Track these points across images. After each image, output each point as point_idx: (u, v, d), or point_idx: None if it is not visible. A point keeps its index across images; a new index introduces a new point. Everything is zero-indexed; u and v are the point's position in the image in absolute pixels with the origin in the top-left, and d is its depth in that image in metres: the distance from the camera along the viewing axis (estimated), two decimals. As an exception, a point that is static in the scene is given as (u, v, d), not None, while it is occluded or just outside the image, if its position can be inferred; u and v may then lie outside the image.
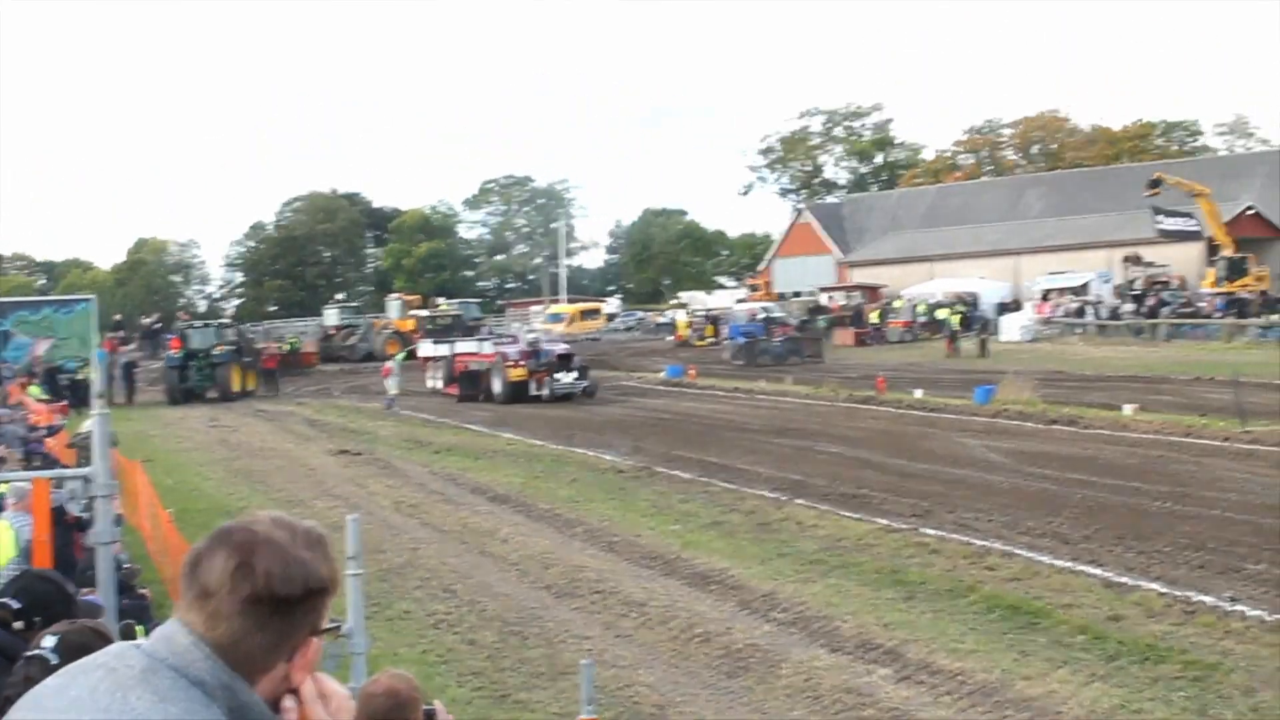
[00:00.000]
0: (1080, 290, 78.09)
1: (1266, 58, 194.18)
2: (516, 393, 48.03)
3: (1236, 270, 72.64)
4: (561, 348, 53.05)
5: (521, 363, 49.08)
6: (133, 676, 2.48)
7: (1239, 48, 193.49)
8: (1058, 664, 13.19)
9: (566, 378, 48.24)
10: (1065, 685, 12.46)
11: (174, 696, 2.43)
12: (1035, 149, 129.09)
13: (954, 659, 13.46)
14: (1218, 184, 79.07)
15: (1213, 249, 74.96)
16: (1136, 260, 77.81)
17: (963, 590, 16.35)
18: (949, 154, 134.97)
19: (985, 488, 24.20)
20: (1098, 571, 17.05)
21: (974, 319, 73.17)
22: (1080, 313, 74.26)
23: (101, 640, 4.48)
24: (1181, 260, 77.52)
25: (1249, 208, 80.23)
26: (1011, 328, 72.80)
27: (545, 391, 47.63)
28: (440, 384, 55.54)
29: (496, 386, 49.23)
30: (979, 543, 19.07)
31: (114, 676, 2.50)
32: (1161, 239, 77.49)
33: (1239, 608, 14.94)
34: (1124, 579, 16.54)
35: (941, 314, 75.56)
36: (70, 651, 4.70)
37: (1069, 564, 17.56)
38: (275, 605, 2.52)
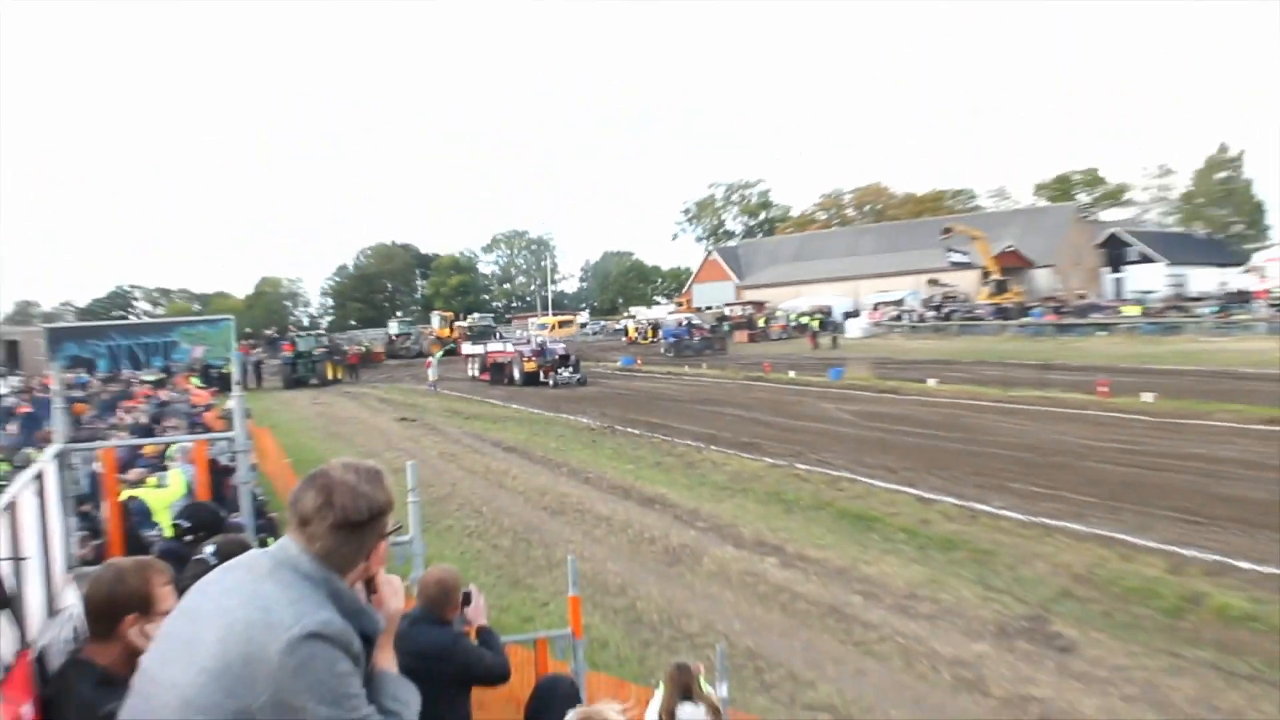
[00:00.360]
0: (899, 303, 78.53)
1: (1019, 146, 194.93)
2: (529, 380, 46.39)
3: (1001, 288, 73.33)
4: (561, 348, 50.40)
5: (533, 358, 47.44)
6: (264, 571, 2.80)
7: (1003, 139, 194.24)
8: (887, 552, 13.35)
9: (565, 372, 46.34)
10: (892, 567, 12.63)
11: (292, 584, 2.76)
12: (867, 208, 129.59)
13: (819, 551, 13.61)
14: (988, 230, 79.79)
15: (985, 274, 75.54)
16: (935, 283, 78.21)
17: (823, 505, 16.48)
18: (810, 211, 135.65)
19: (838, 436, 24.29)
20: (913, 490, 17.20)
21: (828, 323, 73.56)
22: (899, 318, 74.52)
23: (244, 548, 4.62)
24: (965, 282, 78.04)
25: (1009, 246, 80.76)
26: (854, 329, 72.94)
27: (551, 381, 45.58)
28: (476, 372, 53.64)
29: (516, 374, 47.65)
30: (834, 473, 19.14)
31: (252, 572, 2.82)
32: (952, 268, 78.08)
33: (1006, 512, 15.16)
34: (930, 495, 16.69)
35: (805, 320, 75.97)
36: (223, 555, 4.86)
37: (894, 486, 17.69)
38: (351, 526, 2.82)
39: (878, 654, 9.84)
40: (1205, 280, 73.66)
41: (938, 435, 23.63)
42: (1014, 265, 79.77)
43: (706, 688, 5.81)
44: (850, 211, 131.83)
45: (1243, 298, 60.50)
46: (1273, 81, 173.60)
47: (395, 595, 3.03)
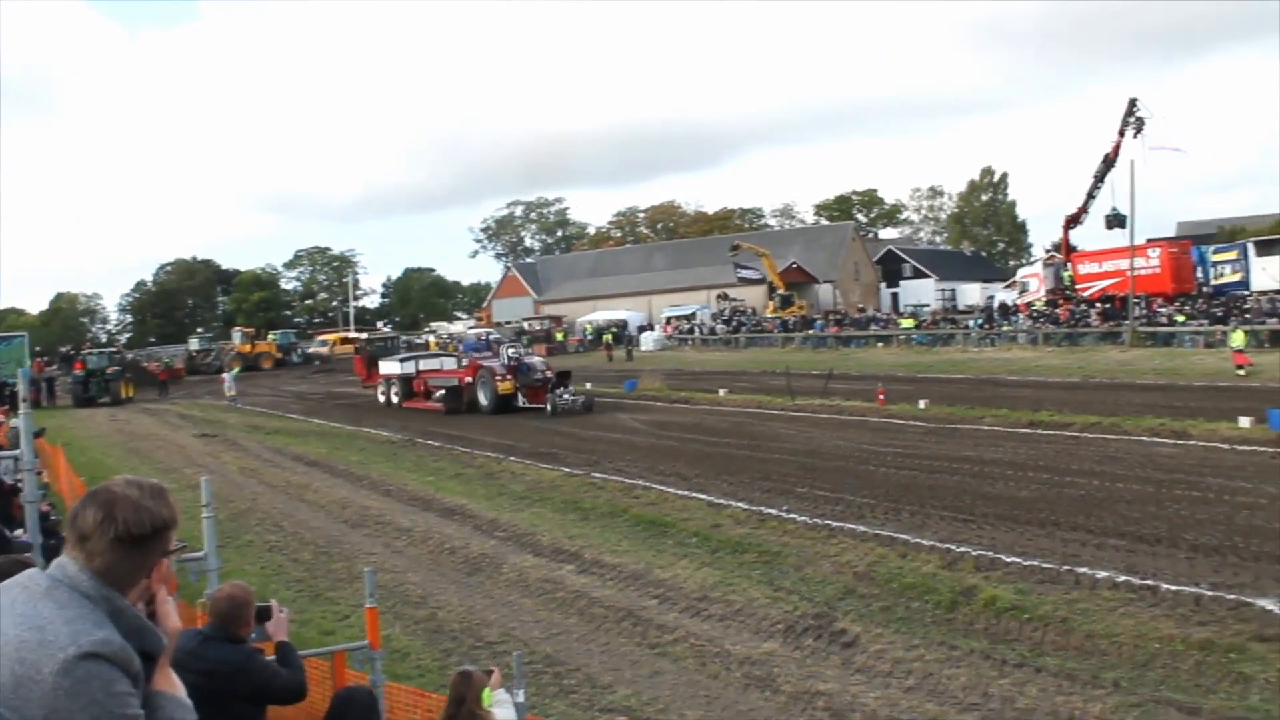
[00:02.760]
0: (690, 317, 79.63)
1: (802, 167, 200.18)
2: (503, 404, 34.40)
3: (786, 302, 75.14)
4: (541, 363, 37.42)
5: (508, 377, 34.87)
6: (41, 590, 2.63)
7: (787, 161, 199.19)
8: (680, 556, 13.41)
9: (566, 394, 33.91)
10: (685, 570, 12.68)
11: (70, 602, 2.59)
12: (660, 225, 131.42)
13: (614, 556, 13.59)
14: (774, 247, 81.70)
15: (771, 290, 77.23)
16: (725, 297, 79.46)
17: (619, 512, 16.49)
18: (605, 229, 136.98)
19: (633, 446, 24.41)
20: (704, 496, 17.36)
21: (623, 336, 74.01)
22: (690, 331, 75.53)
23: (24, 567, 4.34)
24: (752, 296, 79.62)
25: (794, 263, 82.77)
26: (648, 341, 73.54)
27: (548, 407, 32.97)
28: (397, 398, 40.07)
29: (483, 398, 35.28)
30: (629, 481, 19.20)
31: (28, 591, 2.65)
32: (740, 283, 79.54)
33: (792, 515, 15.40)
34: (721, 500, 16.85)
35: (594, 332, 76.33)
36: (2, 575, 4.54)
37: (686, 492, 17.81)
38: (133, 541, 2.67)
39: (672, 655, 9.86)
40: (972, 294, 76.81)
41: (727, 443, 23.94)
42: (798, 281, 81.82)
43: (492, 699, 5.58)
44: (644, 229, 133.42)
45: (1006, 310, 63.22)
46: (1035, 110, 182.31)
47: (174, 613, 2.87)
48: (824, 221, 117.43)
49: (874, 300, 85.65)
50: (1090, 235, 63.56)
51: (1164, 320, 52.72)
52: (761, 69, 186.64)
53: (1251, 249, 55.30)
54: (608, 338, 71.46)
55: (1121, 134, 62.21)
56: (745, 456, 21.80)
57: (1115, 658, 9.14)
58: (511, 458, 23.25)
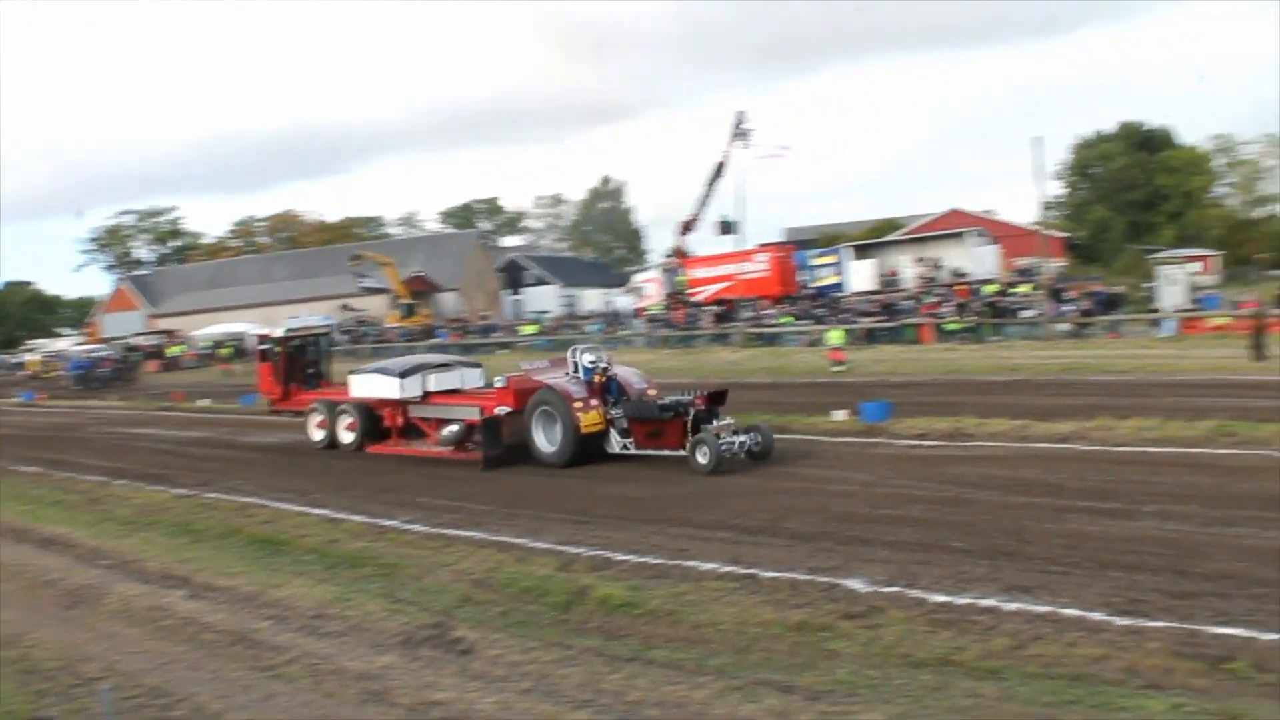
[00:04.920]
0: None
1: (425, 175, 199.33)
2: (583, 448, 19.51)
3: (410, 312, 74.61)
4: (634, 377, 20.90)
5: (592, 403, 19.77)
6: None
7: (410, 168, 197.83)
8: (297, 574, 12.95)
9: (734, 436, 18.29)
10: (302, 588, 12.25)
11: None
12: (281, 234, 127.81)
13: (228, 579, 12.97)
14: (397, 256, 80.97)
15: (395, 299, 76.56)
16: (348, 308, 77.95)
17: (232, 532, 15.77)
18: (222, 239, 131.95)
19: (249, 463, 23.56)
20: (322, 511, 16.87)
21: (242, 349, 71.36)
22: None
23: None
24: (376, 306, 78.72)
25: (417, 272, 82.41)
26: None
27: (701, 458, 17.72)
28: (349, 435, 24.09)
29: (543, 440, 19.96)
30: (244, 500, 18.38)
31: None
32: (363, 293, 78.50)
33: (412, 526, 15.25)
34: (339, 515, 16.43)
35: (211, 345, 73.42)
36: None
37: (303, 508, 17.25)
38: None
39: (287, 676, 9.51)
40: (593, 300, 78.77)
41: (355, 455, 23.50)
42: (422, 289, 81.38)
43: None
44: (264, 239, 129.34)
45: (625, 315, 65.30)
46: (654, 118, 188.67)
47: None
48: (449, 229, 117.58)
49: (497, 308, 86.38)
50: (704, 241, 66.91)
51: (770, 321, 55.80)
52: (386, 73, 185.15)
53: (848, 253, 59.38)
54: (224, 351, 68.59)
55: (730, 144, 65.35)
56: (364, 469, 21.56)
57: (719, 645, 9.52)
58: (119, 481, 21.78)
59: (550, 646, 9.69)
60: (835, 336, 41.97)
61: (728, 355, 48.63)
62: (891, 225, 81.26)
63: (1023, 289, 52.58)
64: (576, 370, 20.39)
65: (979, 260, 56.22)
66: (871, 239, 66.64)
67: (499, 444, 20.24)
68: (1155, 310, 48.50)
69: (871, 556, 11.87)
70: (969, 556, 11.66)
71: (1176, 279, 50.45)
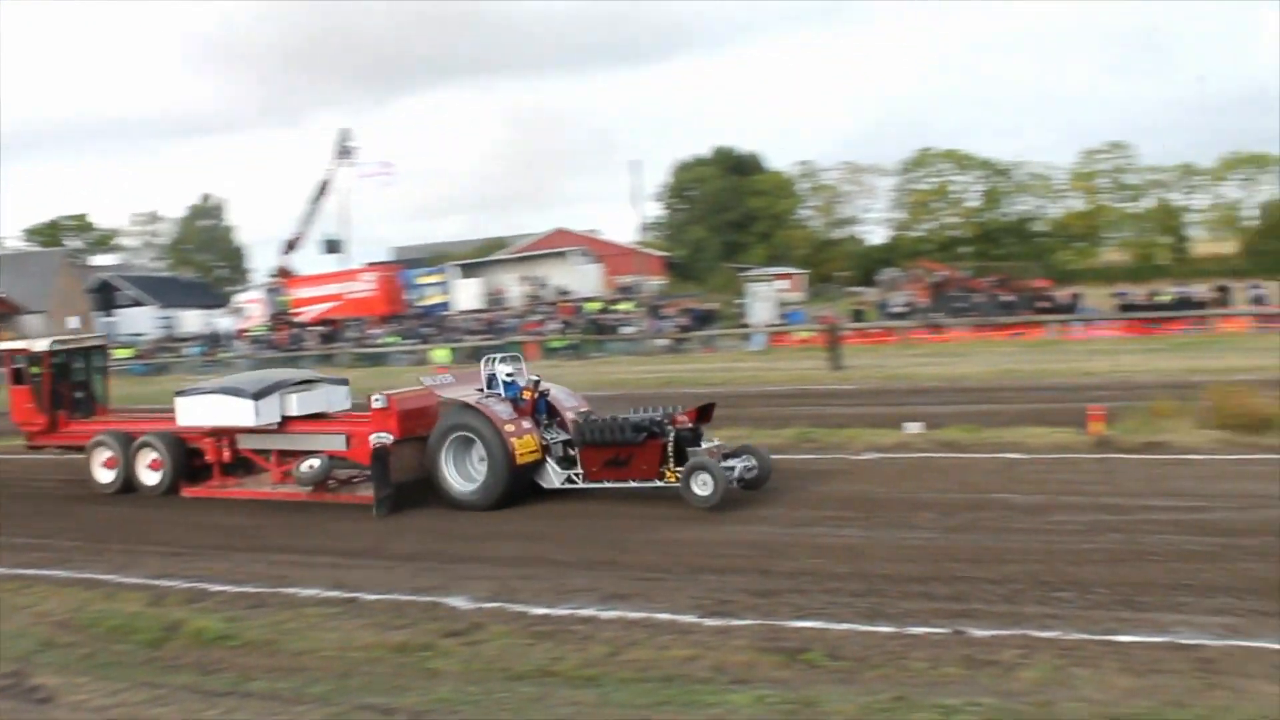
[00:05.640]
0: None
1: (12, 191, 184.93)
2: (515, 483, 15.40)
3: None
4: (564, 396, 17.04)
5: (525, 426, 15.62)
6: None
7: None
8: None
9: (740, 461, 15.04)
10: None
11: None
12: None
13: None
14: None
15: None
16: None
17: None
18: None
19: None
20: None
21: None
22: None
23: None
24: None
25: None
26: None
27: (707, 491, 14.04)
28: (156, 478, 18.66)
29: (454, 479, 15.78)
30: None
31: None
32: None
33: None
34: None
35: None
36: None
37: None
38: None
39: None
40: (193, 321, 75.41)
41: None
42: (4, 312, 75.38)
43: None
44: None
45: (226, 337, 62.90)
46: (257, 135, 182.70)
47: None
48: (32, 248, 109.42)
49: (90, 330, 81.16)
50: (309, 260, 65.50)
51: (377, 341, 55.32)
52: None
53: (455, 272, 59.77)
54: None
55: (335, 162, 64.34)
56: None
57: (320, 672, 9.37)
58: None
59: (140, 687, 9.22)
60: (441, 355, 42.18)
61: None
62: (498, 244, 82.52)
63: (624, 306, 54.61)
64: (493, 385, 16.35)
65: (583, 278, 57.97)
66: (478, 258, 67.40)
67: (390, 482, 15.91)
68: (746, 325, 51.50)
69: (475, 574, 12.03)
70: (569, 568, 12.06)
71: (765, 296, 53.81)
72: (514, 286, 58.25)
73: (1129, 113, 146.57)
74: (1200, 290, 50.65)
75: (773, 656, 8.83)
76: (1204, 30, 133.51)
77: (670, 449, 14.85)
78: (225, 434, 18.32)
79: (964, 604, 9.87)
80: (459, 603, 10.88)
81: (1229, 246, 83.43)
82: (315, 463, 16.92)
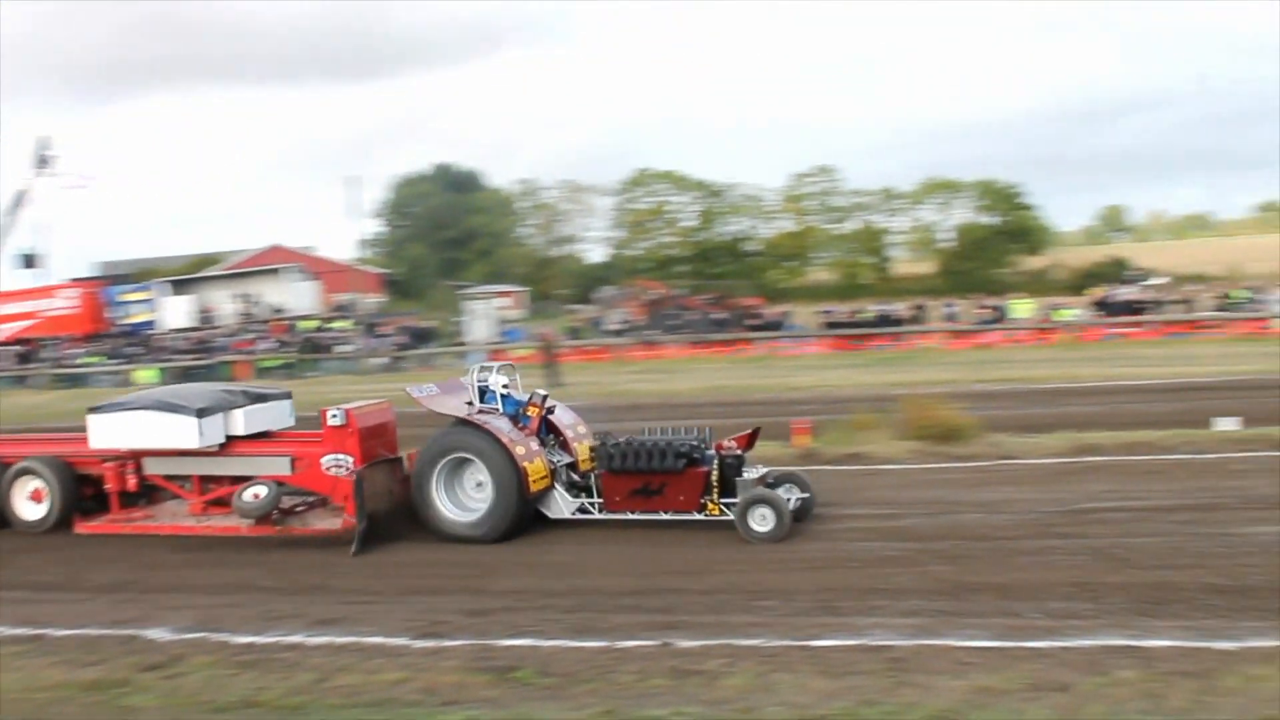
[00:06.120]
0: None
1: None
2: (523, 514, 13.43)
3: None
4: (571, 419, 15.03)
5: (535, 447, 13.54)
6: None
7: None
8: None
9: (783, 490, 13.41)
10: None
11: None
12: None
13: None
14: None
15: None
16: None
17: None
18: None
19: None
20: None
21: None
22: None
23: None
24: None
25: None
26: None
27: (768, 526, 12.35)
28: (41, 511, 15.19)
29: (456, 511, 13.63)
30: None
31: None
32: None
33: None
34: None
35: None
36: None
37: None
38: None
39: None
40: None
41: None
42: None
43: None
44: None
45: None
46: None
47: None
48: None
49: None
50: (3, 276, 61.32)
51: (77, 361, 52.52)
52: None
53: (164, 289, 57.33)
54: None
55: (33, 172, 60.78)
56: None
57: (6, 713, 8.79)
58: None
59: None
60: (147, 376, 40.33)
61: (32, 398, 44.92)
62: (210, 260, 79.53)
63: (341, 324, 53.55)
64: (486, 399, 14.27)
65: (298, 296, 56.56)
66: (189, 274, 64.81)
67: (366, 513, 13.40)
68: (464, 343, 51.31)
69: (176, 604, 11.49)
70: (276, 594, 11.68)
71: (484, 313, 53.81)
72: (226, 304, 56.29)
73: (836, 137, 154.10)
74: (899, 308, 53.60)
75: (483, 676, 8.79)
76: (913, 64, 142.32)
77: (715, 478, 13.24)
78: (137, 457, 15.23)
79: (672, 615, 10.09)
80: (159, 634, 10.37)
81: (927, 266, 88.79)
82: (261, 490, 13.98)
